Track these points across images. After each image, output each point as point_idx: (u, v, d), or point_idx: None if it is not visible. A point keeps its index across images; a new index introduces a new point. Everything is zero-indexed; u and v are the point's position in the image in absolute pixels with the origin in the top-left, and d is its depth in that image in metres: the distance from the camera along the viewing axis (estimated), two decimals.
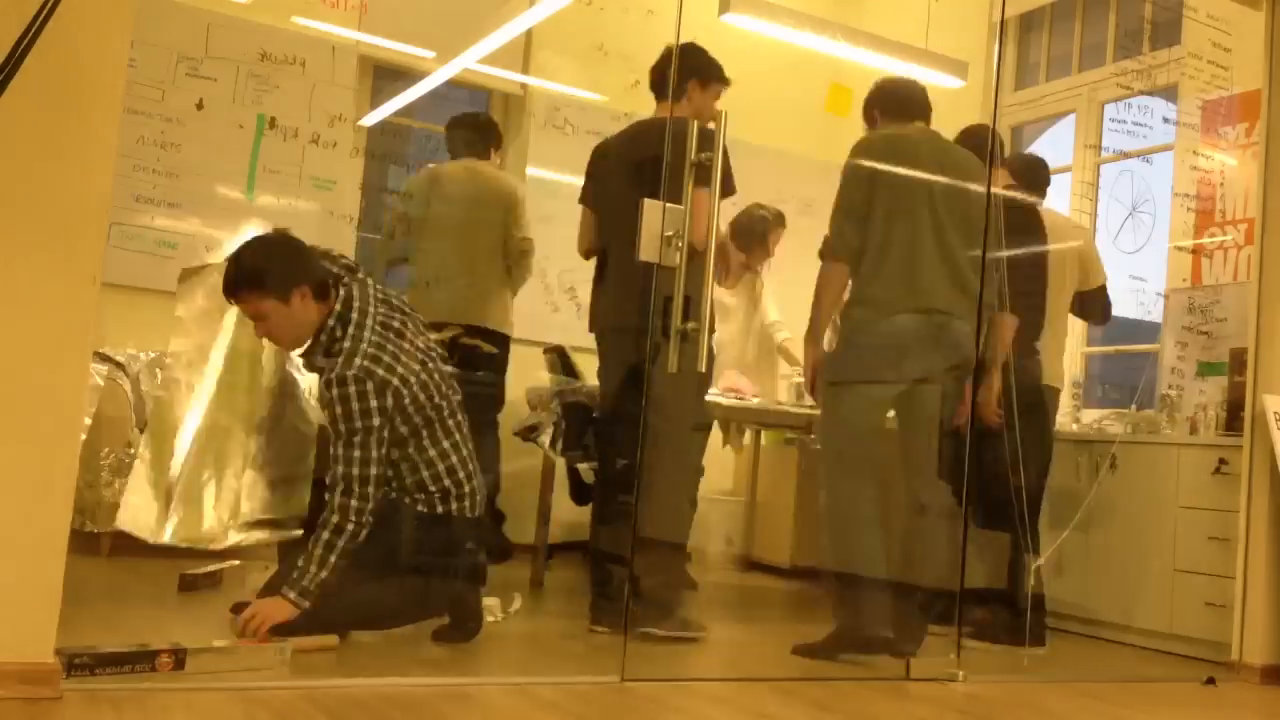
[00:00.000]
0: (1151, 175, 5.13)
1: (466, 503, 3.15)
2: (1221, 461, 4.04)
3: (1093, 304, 4.48)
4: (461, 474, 3.14)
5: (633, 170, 3.59)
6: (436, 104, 5.85)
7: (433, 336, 3.30)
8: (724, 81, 3.74)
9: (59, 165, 2.25)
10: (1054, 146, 5.75)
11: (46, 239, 2.23)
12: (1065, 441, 4.66)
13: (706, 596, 5.00)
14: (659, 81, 3.74)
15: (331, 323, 3.06)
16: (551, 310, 5.55)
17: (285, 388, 3.99)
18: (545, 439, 4.18)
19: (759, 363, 5.35)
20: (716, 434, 5.71)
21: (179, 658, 2.47)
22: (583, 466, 4.32)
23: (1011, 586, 4.00)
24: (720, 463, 6.08)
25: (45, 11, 2.06)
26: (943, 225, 3.53)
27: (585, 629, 3.49)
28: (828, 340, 3.91)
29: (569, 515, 4.49)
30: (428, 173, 4.80)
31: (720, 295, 5.11)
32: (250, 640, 2.75)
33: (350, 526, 2.91)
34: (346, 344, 2.99)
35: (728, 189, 3.35)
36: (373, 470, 2.94)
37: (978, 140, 3.94)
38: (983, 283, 3.56)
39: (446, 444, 3.14)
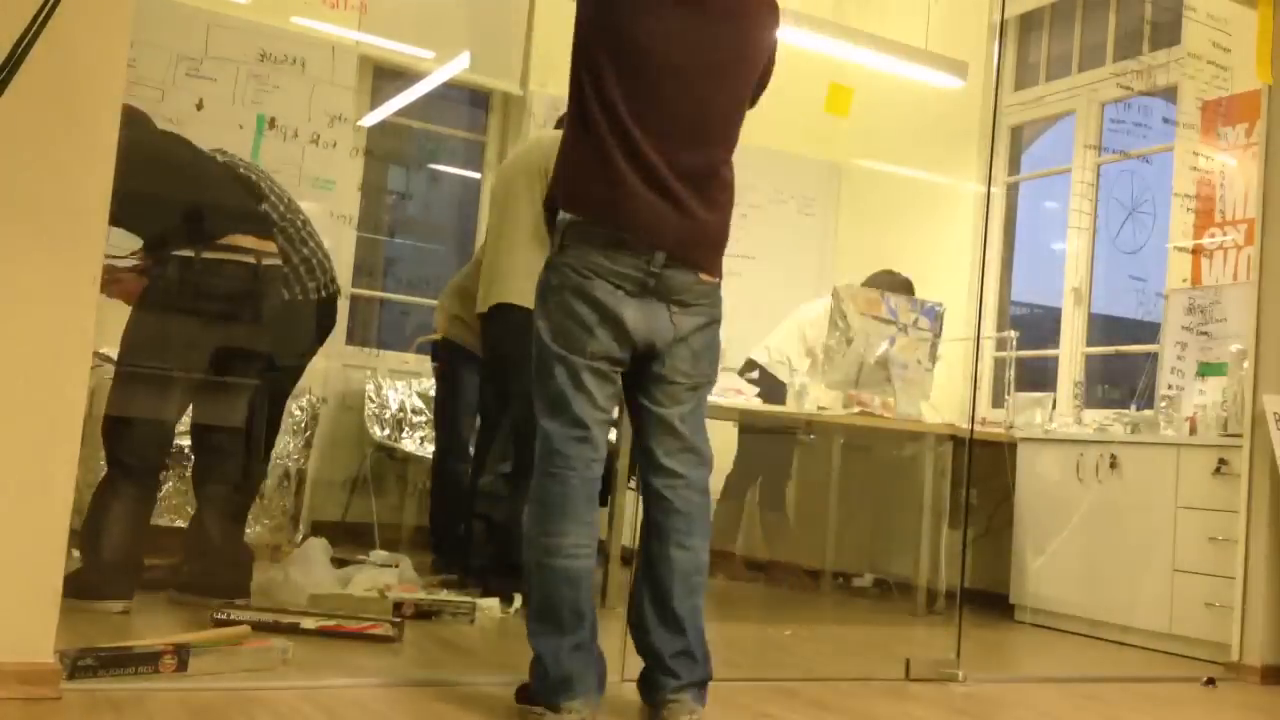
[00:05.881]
0: (1151, 175, 5.14)
1: None
2: (1221, 461, 4.04)
3: None
4: None
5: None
6: (436, 104, 5.85)
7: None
8: None
9: (59, 165, 2.25)
10: (1054, 146, 5.75)
11: (46, 239, 2.23)
12: (1065, 441, 4.66)
13: (707, 596, 4.98)
14: None
15: None
16: None
17: None
18: None
19: None
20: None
21: (182, 658, 2.47)
22: None
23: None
24: (720, 462, 6.08)
25: (45, 11, 2.06)
26: None
27: None
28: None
29: None
30: None
31: None
32: None
33: None
34: None
35: None
36: None
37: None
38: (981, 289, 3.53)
39: None
